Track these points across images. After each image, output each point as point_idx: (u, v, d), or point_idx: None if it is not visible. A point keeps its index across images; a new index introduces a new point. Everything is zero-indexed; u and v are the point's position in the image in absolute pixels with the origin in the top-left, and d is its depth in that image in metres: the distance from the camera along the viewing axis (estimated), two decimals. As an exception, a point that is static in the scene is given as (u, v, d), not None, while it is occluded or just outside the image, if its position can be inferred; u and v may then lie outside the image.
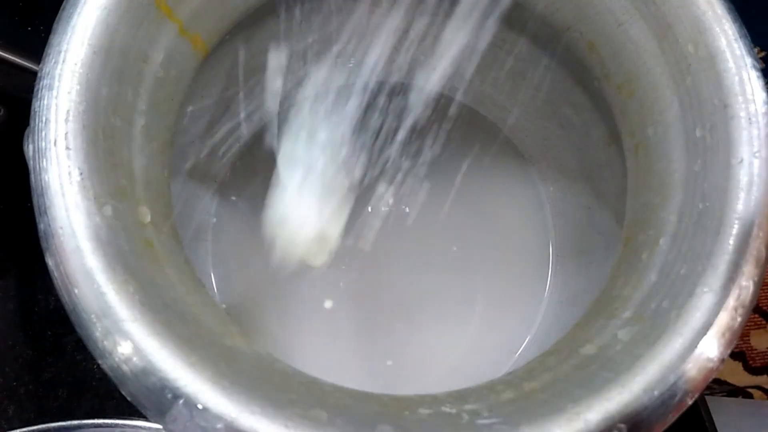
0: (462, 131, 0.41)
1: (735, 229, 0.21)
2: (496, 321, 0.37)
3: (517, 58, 0.37)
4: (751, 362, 0.64)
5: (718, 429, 0.43)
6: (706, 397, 0.44)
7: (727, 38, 0.23)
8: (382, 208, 0.40)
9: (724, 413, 0.45)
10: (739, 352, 0.64)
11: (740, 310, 0.21)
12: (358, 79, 0.35)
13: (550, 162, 0.40)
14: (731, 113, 0.22)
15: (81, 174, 0.20)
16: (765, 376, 0.63)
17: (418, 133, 0.41)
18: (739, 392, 0.63)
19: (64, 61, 0.21)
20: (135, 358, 0.19)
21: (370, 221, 0.39)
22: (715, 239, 0.21)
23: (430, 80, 0.39)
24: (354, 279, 0.38)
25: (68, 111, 0.21)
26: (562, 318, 0.36)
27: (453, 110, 0.42)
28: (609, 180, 0.35)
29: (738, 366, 0.64)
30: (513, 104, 0.40)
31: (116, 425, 0.30)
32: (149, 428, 0.30)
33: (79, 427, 0.30)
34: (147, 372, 0.19)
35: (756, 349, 0.65)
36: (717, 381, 0.61)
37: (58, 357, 0.38)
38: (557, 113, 0.37)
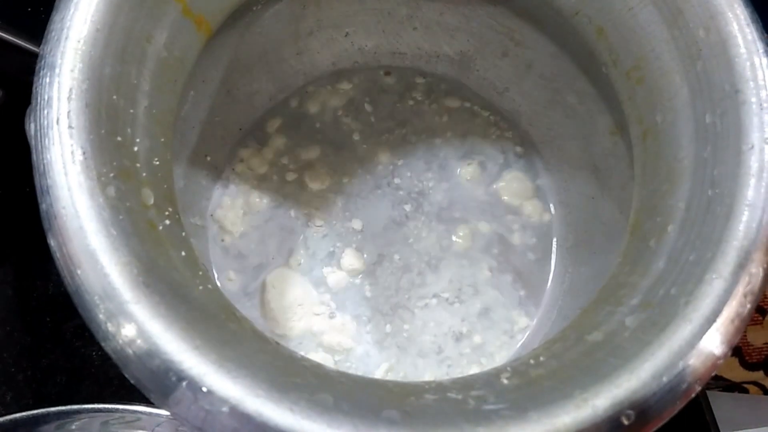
0: (467, 118, 0.41)
1: (745, 215, 0.21)
2: (500, 308, 0.37)
3: (522, 46, 0.37)
4: (747, 358, 0.64)
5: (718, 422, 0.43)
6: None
7: (739, 23, 0.23)
8: (389, 191, 0.40)
9: (722, 407, 0.45)
10: (735, 348, 0.64)
11: (750, 297, 0.21)
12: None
13: (554, 151, 0.39)
14: (742, 99, 0.22)
15: (84, 153, 0.20)
16: (761, 371, 0.63)
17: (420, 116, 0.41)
18: (735, 387, 0.63)
19: (66, 38, 0.21)
20: (139, 341, 0.19)
21: (376, 205, 0.39)
22: (724, 226, 0.21)
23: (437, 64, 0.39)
24: (359, 260, 0.38)
25: (71, 89, 0.20)
26: (565, 306, 0.36)
27: (458, 96, 0.42)
28: (613, 169, 0.35)
29: (734, 361, 0.64)
30: (517, 92, 0.40)
31: (116, 410, 0.30)
32: (150, 413, 0.30)
33: (79, 411, 0.30)
34: (151, 354, 0.18)
35: (752, 345, 0.65)
36: (713, 376, 0.61)
37: (57, 343, 0.38)
38: (562, 102, 0.37)
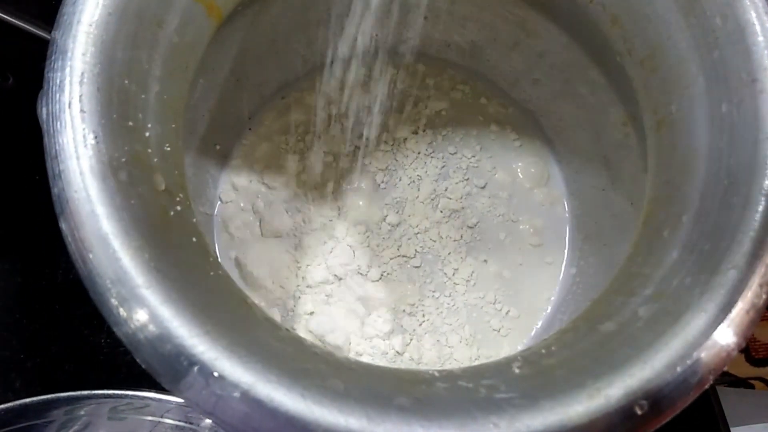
0: (477, 107, 0.41)
1: (762, 205, 0.21)
2: (511, 300, 0.37)
3: (533, 36, 0.37)
4: (753, 354, 0.64)
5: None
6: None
7: (757, 10, 0.22)
8: (402, 183, 0.40)
9: (729, 402, 0.45)
10: (741, 343, 0.64)
11: (765, 288, 0.20)
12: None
13: (565, 143, 0.39)
14: (760, 87, 0.22)
15: (96, 138, 0.20)
16: (767, 368, 0.63)
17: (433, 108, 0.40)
18: (741, 383, 0.62)
19: (78, 22, 0.20)
20: (150, 325, 0.18)
21: (387, 196, 0.39)
22: (740, 216, 0.21)
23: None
24: (366, 251, 0.38)
25: (83, 73, 0.20)
26: (575, 298, 0.36)
27: (468, 85, 0.41)
28: (624, 161, 0.34)
29: (740, 357, 0.64)
30: (528, 83, 0.39)
31: (125, 396, 0.30)
32: (158, 399, 0.30)
33: (88, 397, 0.30)
34: (162, 339, 0.18)
35: (759, 341, 0.64)
36: (719, 371, 0.61)
37: (65, 331, 0.38)
38: (573, 93, 0.37)
